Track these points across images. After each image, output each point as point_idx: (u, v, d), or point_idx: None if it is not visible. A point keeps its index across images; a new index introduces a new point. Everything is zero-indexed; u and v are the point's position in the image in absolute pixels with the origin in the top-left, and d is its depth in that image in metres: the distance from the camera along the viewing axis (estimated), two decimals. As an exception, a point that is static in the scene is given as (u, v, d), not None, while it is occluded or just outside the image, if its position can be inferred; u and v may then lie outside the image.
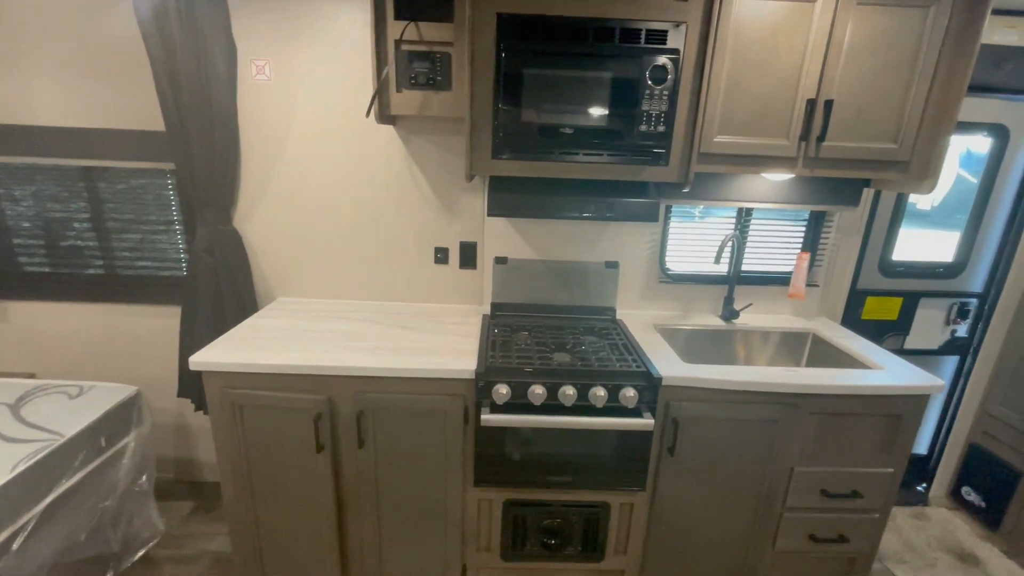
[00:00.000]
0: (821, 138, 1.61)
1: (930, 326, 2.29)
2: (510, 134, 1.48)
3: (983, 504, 2.31)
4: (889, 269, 2.19)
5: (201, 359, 1.53)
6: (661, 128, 1.48)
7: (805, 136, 1.61)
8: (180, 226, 2.06)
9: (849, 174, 1.68)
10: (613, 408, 1.55)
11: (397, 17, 1.60)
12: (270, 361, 1.53)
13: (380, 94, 1.67)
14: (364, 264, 2.11)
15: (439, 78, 1.67)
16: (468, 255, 2.08)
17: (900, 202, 2.11)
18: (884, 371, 1.68)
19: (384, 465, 1.65)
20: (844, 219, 2.08)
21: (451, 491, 1.68)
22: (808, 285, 2.16)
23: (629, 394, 1.53)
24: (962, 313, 2.28)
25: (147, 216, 2.07)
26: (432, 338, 1.77)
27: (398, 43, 1.62)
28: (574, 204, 1.56)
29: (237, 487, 1.66)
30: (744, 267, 2.18)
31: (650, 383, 1.56)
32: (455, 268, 2.11)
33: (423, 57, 1.64)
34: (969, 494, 2.38)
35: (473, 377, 1.55)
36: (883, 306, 2.23)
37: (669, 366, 1.61)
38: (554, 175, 1.56)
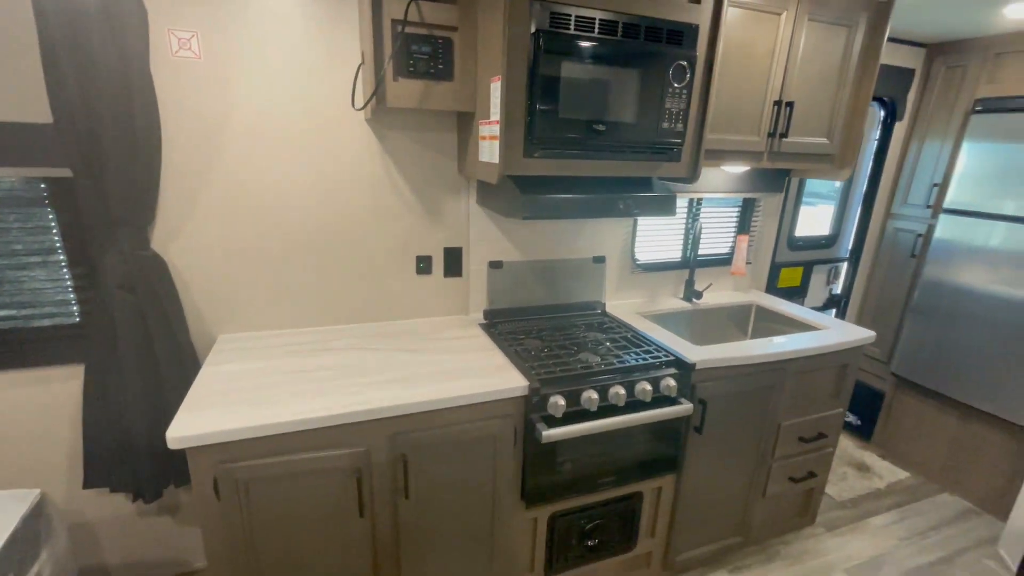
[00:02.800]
0: (784, 135, 1.84)
1: (817, 288, 2.82)
2: (544, 132, 1.39)
3: (859, 422, 2.95)
4: (794, 244, 2.63)
5: (182, 433, 1.14)
6: (679, 126, 1.54)
7: (772, 133, 1.83)
8: (65, 256, 1.49)
9: (797, 165, 1.96)
10: (656, 400, 1.59)
11: (394, -7, 1.37)
12: (282, 419, 1.21)
13: (375, 83, 1.42)
14: (334, 282, 1.78)
15: (441, 66, 1.48)
16: (453, 262, 1.91)
17: (801, 187, 2.54)
18: (830, 330, 2.02)
19: (428, 512, 1.44)
20: (768, 204, 2.42)
21: (499, 519, 1.55)
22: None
23: (671, 383, 1.58)
24: (836, 275, 2.85)
25: (10, 246, 1.44)
26: (450, 358, 1.59)
27: (397, 23, 1.39)
28: (605, 202, 1.53)
29: (240, 585, 1.29)
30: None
31: (684, 370, 1.63)
32: (439, 277, 1.91)
33: (424, 41, 1.44)
34: (848, 416, 3.01)
35: (527, 393, 1.43)
36: (791, 275, 2.67)
37: (688, 351, 1.70)
38: (585, 173, 1.51)
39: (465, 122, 1.68)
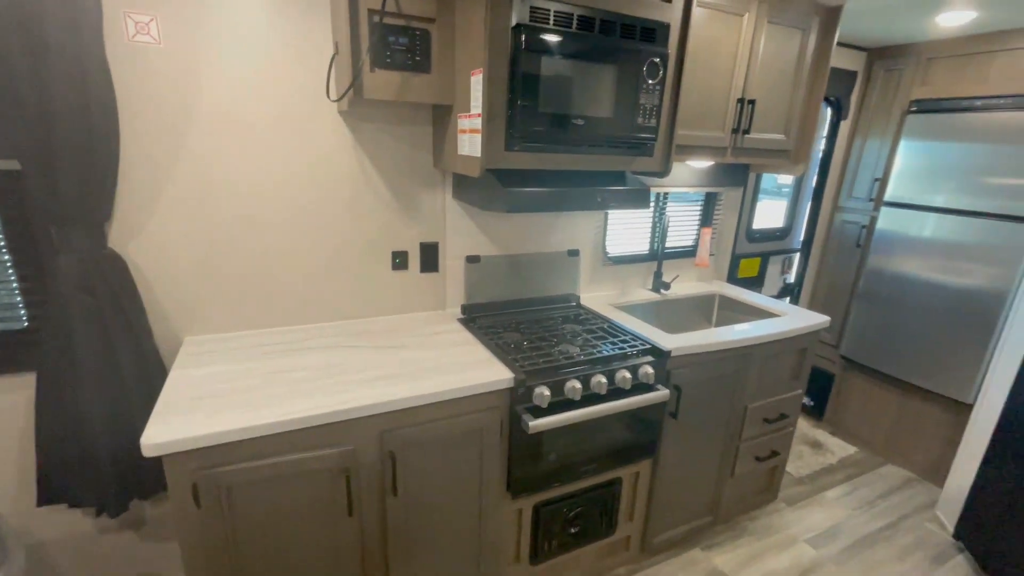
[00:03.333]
0: (747, 131, 1.93)
1: (773, 277, 2.97)
2: (526, 126, 1.40)
3: (812, 403, 3.13)
4: (752, 236, 2.76)
5: (158, 440, 1.08)
6: (652, 121, 1.59)
7: (736, 129, 1.92)
8: (10, 256, 1.37)
9: (757, 160, 2.07)
10: (635, 387, 1.64)
11: (371, -18, 1.34)
12: (266, 420, 1.17)
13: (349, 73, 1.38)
14: (307, 280, 1.73)
15: (418, 58, 1.46)
16: (429, 257, 1.89)
17: (758, 182, 2.67)
18: (789, 316, 2.14)
19: (416, 509, 1.43)
20: (729, 198, 2.53)
21: (486, 512, 1.55)
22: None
23: (648, 371, 1.64)
24: (789, 265, 3.01)
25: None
26: (433, 353, 1.58)
27: (374, 13, 1.36)
28: (584, 196, 1.56)
29: (222, 596, 1.24)
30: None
31: (660, 357, 1.69)
32: (415, 273, 1.89)
33: (401, 32, 1.42)
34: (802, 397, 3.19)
35: (512, 385, 1.45)
36: (750, 266, 2.80)
37: (663, 339, 1.76)
38: (564, 167, 1.53)
39: (441, 115, 1.67)
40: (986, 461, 2.08)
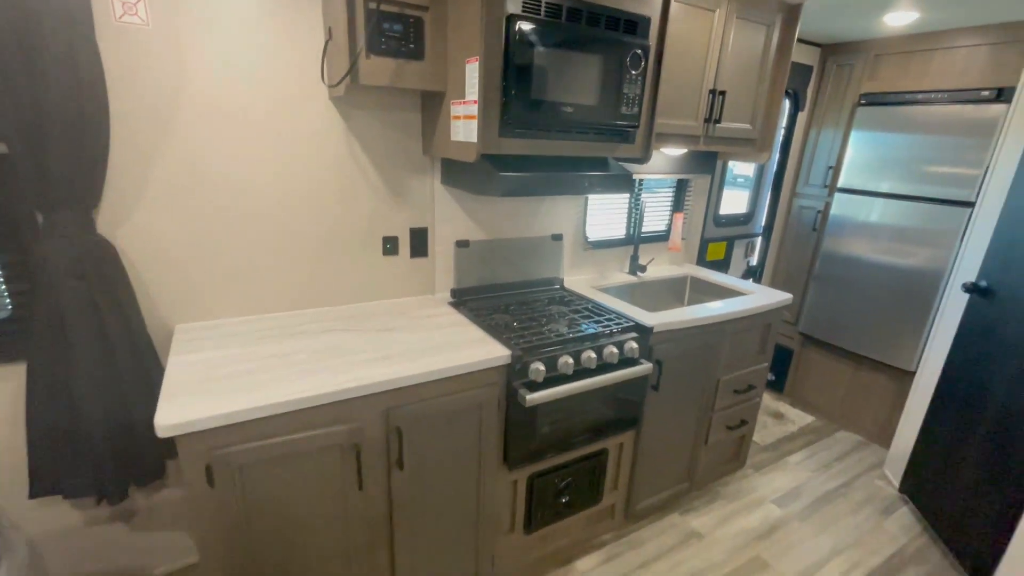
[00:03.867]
0: (718, 120, 2.05)
1: (738, 260, 3.15)
2: (519, 112, 1.45)
3: (773, 378, 3.36)
4: (719, 221, 2.92)
5: (173, 421, 1.09)
6: (635, 109, 1.68)
7: (708, 119, 2.03)
8: (-8, 242, 1.33)
9: (726, 148, 2.20)
10: (622, 361, 1.74)
11: (366, -31, 1.36)
12: (277, 399, 1.20)
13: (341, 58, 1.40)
14: (298, 266, 1.74)
15: (412, 45, 1.49)
16: (419, 243, 1.93)
17: (724, 170, 2.82)
18: (756, 294, 2.30)
19: (420, 483, 1.49)
20: (698, 185, 2.67)
21: (484, 484, 1.63)
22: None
23: (633, 346, 1.74)
24: (752, 248, 3.20)
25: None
26: (430, 334, 1.63)
27: (371, 1, 1.38)
28: (573, 180, 1.64)
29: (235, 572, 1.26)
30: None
31: (643, 333, 1.79)
32: (406, 258, 1.93)
33: (396, 19, 1.44)
34: (767, 370, 3.40)
35: (510, 362, 1.52)
36: (717, 249, 2.96)
37: (645, 317, 1.87)
38: (554, 153, 1.60)
39: (431, 102, 1.70)
40: (926, 423, 2.32)
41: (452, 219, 1.96)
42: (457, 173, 1.81)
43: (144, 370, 1.44)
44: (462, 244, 1.97)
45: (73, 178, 1.26)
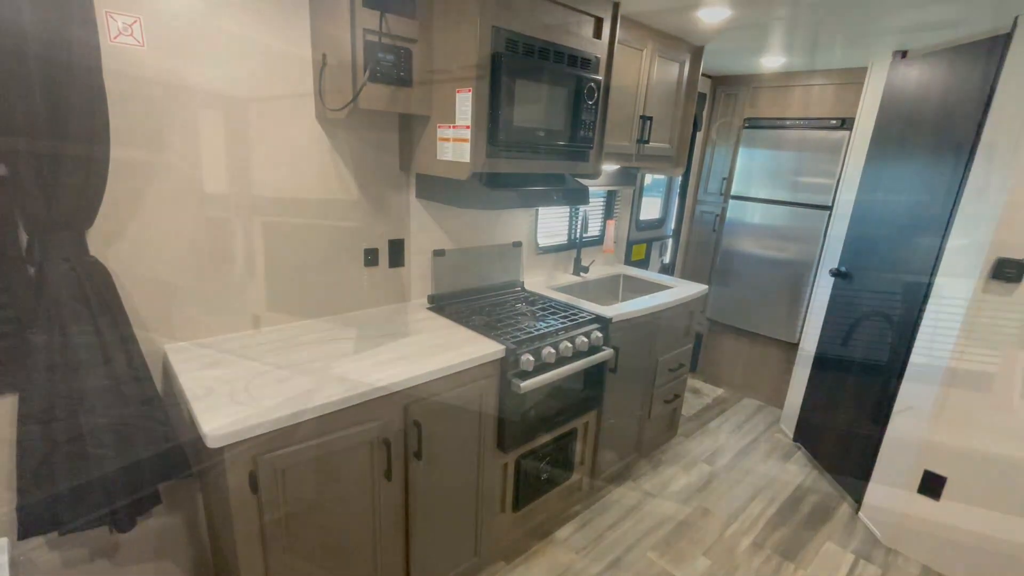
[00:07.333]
0: (647, 141, 2.43)
1: (655, 259, 3.62)
2: (504, 135, 1.67)
3: (687, 359, 3.88)
4: (640, 226, 3.35)
5: (221, 431, 1.14)
6: (590, 133, 1.97)
7: (640, 139, 2.40)
8: (-27, 268, 1.23)
9: (651, 165, 2.59)
10: (591, 349, 2.01)
11: (365, 4, 1.49)
12: (313, 403, 1.28)
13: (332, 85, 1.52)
14: (286, 280, 1.78)
15: (402, 73, 1.64)
16: (397, 253, 2.05)
17: (642, 181, 3.25)
18: (678, 287, 2.72)
19: (432, 470, 1.63)
20: (623, 194, 3.06)
21: (483, 467, 1.80)
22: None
23: (598, 335, 2.02)
24: (665, 248, 3.70)
25: None
26: (426, 337, 1.77)
27: (367, 32, 1.51)
28: (544, 194, 1.88)
29: (272, 576, 1.31)
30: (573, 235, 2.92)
31: (604, 324, 2.09)
32: (384, 268, 2.03)
33: (388, 50, 1.58)
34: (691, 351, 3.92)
35: (504, 355, 1.71)
36: (639, 250, 3.39)
37: (603, 310, 2.17)
38: (531, 171, 1.83)
39: (411, 124, 1.85)
40: (809, 383, 2.90)
41: (426, 230, 2.11)
42: (433, 188, 1.96)
43: (144, 393, 1.42)
44: (439, 253, 2.12)
45: (73, 199, 1.24)
